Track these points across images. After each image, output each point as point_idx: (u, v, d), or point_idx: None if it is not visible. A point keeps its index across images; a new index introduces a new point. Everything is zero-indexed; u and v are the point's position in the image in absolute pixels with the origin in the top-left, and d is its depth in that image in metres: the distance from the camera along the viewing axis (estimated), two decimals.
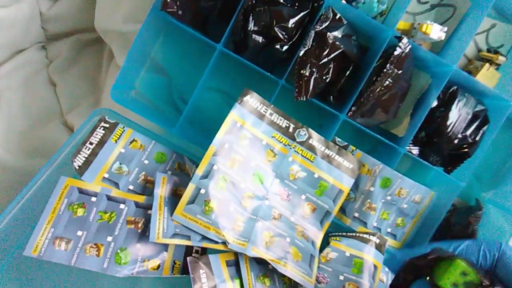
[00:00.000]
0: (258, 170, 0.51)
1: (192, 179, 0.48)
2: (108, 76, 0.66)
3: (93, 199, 0.46)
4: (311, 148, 0.52)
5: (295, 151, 0.52)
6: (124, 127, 0.51)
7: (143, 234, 0.47)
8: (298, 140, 0.52)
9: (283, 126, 0.52)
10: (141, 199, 0.48)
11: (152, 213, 0.45)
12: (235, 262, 0.48)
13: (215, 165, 0.49)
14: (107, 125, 0.50)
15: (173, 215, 0.46)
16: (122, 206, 0.47)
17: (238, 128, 0.50)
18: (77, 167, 0.47)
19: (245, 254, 0.47)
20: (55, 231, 0.44)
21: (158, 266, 0.46)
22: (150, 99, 0.61)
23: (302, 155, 0.52)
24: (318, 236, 0.52)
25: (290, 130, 0.52)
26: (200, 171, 0.48)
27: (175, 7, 0.50)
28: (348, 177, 0.53)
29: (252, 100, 0.51)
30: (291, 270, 0.47)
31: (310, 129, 0.52)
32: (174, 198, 0.48)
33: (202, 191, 0.48)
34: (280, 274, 0.49)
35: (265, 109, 0.51)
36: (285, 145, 0.52)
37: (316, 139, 0.52)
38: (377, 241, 0.52)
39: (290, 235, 0.50)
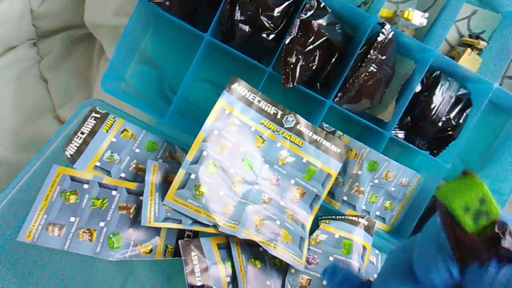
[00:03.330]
0: (247, 156, 0.52)
1: (182, 165, 0.49)
2: (99, 71, 0.67)
3: (85, 186, 0.47)
4: (299, 134, 0.53)
5: (283, 136, 0.53)
6: (115, 117, 0.52)
7: (135, 220, 0.47)
8: (286, 126, 0.53)
9: (271, 112, 0.53)
10: (133, 186, 0.49)
11: (144, 198, 0.46)
12: (226, 245, 0.48)
13: (205, 151, 0.50)
14: (98, 115, 0.51)
15: (165, 200, 0.47)
16: (114, 192, 0.48)
17: (226, 115, 0.51)
18: (69, 156, 0.48)
19: (236, 237, 0.48)
20: (48, 218, 0.45)
21: (151, 250, 0.47)
22: (141, 91, 0.62)
23: (290, 141, 0.53)
24: (307, 219, 0.53)
25: (278, 116, 0.53)
26: (190, 156, 0.49)
27: None
28: (336, 161, 0.54)
29: (240, 87, 0.52)
30: (281, 252, 0.48)
31: (297, 115, 0.53)
32: (165, 184, 0.49)
33: (192, 176, 0.49)
34: (271, 256, 0.50)
35: (253, 96, 0.53)
36: (274, 131, 0.53)
37: (303, 125, 0.53)
38: (366, 223, 0.53)
39: (280, 218, 0.51)
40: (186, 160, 0.49)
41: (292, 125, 0.53)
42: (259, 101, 0.53)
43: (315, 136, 0.53)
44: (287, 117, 0.53)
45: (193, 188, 0.48)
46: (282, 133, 0.53)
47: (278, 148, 0.53)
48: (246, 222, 0.49)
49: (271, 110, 0.53)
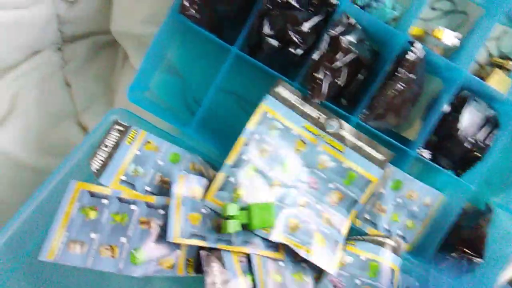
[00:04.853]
0: (287, 159, 0.52)
1: (222, 168, 0.50)
2: (122, 78, 0.67)
3: (104, 201, 0.47)
4: (341, 139, 0.53)
5: (324, 141, 0.53)
6: (137, 129, 0.51)
7: (156, 234, 0.47)
8: (328, 130, 0.53)
9: (314, 116, 0.53)
10: (152, 199, 0.49)
11: (170, 212, 0.46)
12: (247, 258, 0.48)
13: (245, 155, 0.51)
14: (121, 128, 0.51)
15: (204, 201, 0.49)
16: (133, 207, 0.48)
17: (269, 118, 0.52)
18: (95, 170, 0.48)
19: (257, 250, 0.48)
20: (69, 235, 0.44)
21: (173, 265, 0.47)
22: (164, 100, 0.62)
23: (332, 145, 0.53)
24: (344, 224, 0.53)
25: (321, 120, 0.53)
26: (230, 160, 0.51)
27: (193, 11, 0.51)
28: (377, 168, 0.53)
29: (284, 90, 0.52)
30: (313, 256, 0.49)
31: (341, 120, 0.53)
32: (191, 197, 0.49)
33: (232, 179, 0.50)
34: (292, 272, 0.49)
35: (296, 99, 0.52)
36: (315, 135, 0.53)
37: (347, 130, 0.53)
38: (393, 244, 0.53)
39: (316, 222, 0.51)
40: (225, 164, 0.51)
41: (335, 130, 0.53)
42: (302, 104, 0.52)
43: (357, 142, 0.53)
44: (330, 122, 0.53)
45: (231, 191, 0.50)
46: (323, 137, 0.53)
47: (318, 152, 0.52)
48: (280, 225, 0.49)
49: (314, 113, 0.53)
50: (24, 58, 0.65)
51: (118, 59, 0.69)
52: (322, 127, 0.53)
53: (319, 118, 0.53)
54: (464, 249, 0.56)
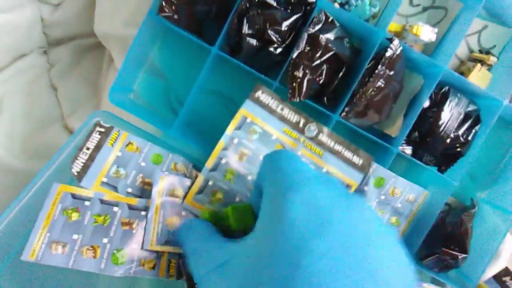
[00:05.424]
0: None
1: (202, 171, 0.51)
2: (108, 80, 0.67)
3: (87, 203, 0.47)
4: (320, 143, 0.53)
5: (304, 145, 0.53)
6: (119, 130, 0.52)
7: (138, 235, 0.47)
8: (307, 135, 0.53)
9: (294, 121, 0.53)
10: (134, 201, 0.49)
11: (148, 219, 0.47)
12: None
13: (223, 159, 0.51)
14: (102, 130, 0.51)
15: (183, 204, 0.50)
16: (115, 209, 0.48)
17: (248, 123, 0.52)
18: (75, 173, 0.48)
19: None
20: (51, 236, 0.45)
21: (154, 266, 0.47)
22: (148, 102, 0.62)
23: (311, 150, 0.53)
24: None
25: (301, 125, 0.53)
26: (209, 164, 0.51)
27: (171, 12, 0.52)
28: (357, 172, 0.53)
29: (264, 95, 0.52)
30: None
31: (320, 124, 0.53)
32: (171, 199, 0.49)
33: (210, 182, 0.51)
34: None
35: (277, 104, 0.53)
36: (295, 140, 0.53)
37: (326, 134, 0.53)
38: None
39: None
40: (205, 167, 0.51)
41: (314, 135, 0.53)
42: (282, 109, 0.53)
43: (337, 146, 0.53)
44: (309, 126, 0.53)
45: (210, 194, 0.50)
46: (303, 142, 0.53)
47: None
48: None
49: (294, 118, 0.53)
50: (10, 61, 0.65)
51: (103, 62, 0.69)
52: (301, 132, 0.53)
53: (298, 122, 0.53)
54: (449, 245, 0.56)
